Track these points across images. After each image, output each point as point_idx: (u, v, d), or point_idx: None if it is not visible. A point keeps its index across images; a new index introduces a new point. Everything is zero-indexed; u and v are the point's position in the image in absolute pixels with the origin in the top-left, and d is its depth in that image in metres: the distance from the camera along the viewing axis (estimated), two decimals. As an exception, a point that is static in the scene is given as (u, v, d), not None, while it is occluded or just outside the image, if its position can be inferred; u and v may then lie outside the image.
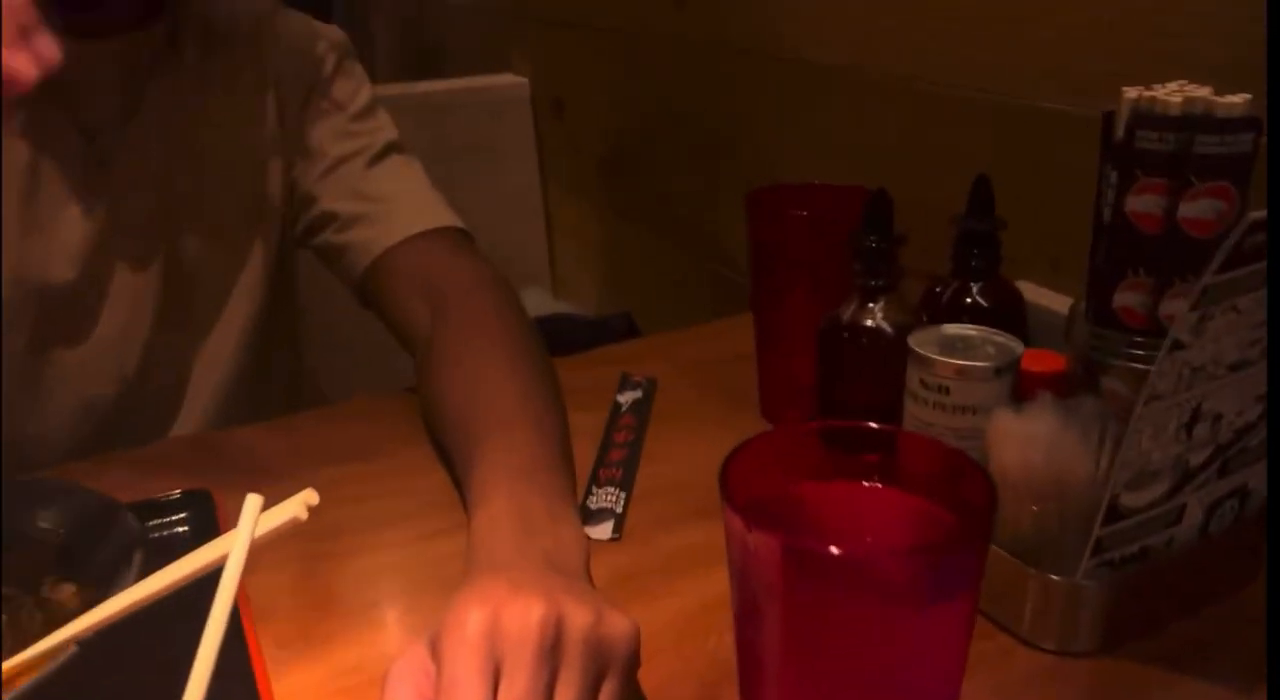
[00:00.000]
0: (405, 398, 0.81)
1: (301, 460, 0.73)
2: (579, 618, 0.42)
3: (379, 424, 0.79)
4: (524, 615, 0.41)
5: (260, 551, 0.42)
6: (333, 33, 0.92)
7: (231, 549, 0.42)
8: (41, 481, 0.58)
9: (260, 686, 0.50)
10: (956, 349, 0.62)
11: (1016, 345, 0.62)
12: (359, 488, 0.69)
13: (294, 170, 0.89)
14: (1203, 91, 0.55)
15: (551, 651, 0.41)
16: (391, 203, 0.86)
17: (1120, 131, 0.57)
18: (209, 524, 0.63)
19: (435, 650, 0.42)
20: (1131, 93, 0.57)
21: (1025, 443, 0.54)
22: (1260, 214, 0.44)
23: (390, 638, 0.56)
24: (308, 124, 0.88)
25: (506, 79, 1.73)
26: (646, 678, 0.48)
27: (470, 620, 0.41)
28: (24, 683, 0.41)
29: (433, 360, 0.74)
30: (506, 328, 0.74)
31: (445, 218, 0.85)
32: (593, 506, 0.68)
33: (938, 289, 0.71)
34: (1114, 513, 0.50)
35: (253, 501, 0.43)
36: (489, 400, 0.66)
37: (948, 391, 0.61)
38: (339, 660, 0.54)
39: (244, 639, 0.52)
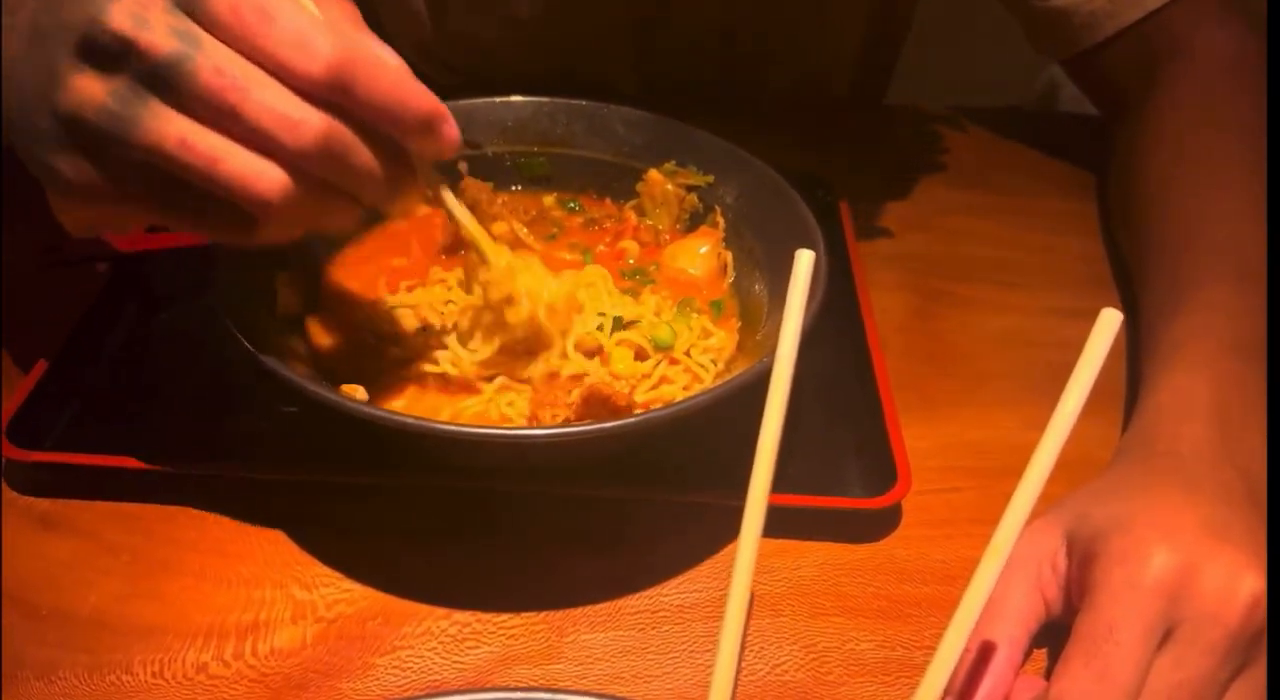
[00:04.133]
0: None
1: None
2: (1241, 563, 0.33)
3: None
4: (1230, 585, 0.33)
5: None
6: None
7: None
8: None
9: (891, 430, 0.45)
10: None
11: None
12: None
13: None
14: None
15: (1249, 643, 0.33)
16: None
17: None
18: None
19: (1085, 561, 0.35)
20: None
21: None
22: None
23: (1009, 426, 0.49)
24: None
25: None
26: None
27: (1154, 564, 0.33)
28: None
29: (1141, 136, 0.57)
30: (1256, 131, 0.53)
31: None
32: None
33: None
34: None
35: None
36: (1219, 225, 0.49)
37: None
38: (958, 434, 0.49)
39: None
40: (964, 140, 0.72)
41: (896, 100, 0.82)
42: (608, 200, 0.58)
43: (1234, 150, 0.53)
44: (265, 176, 0.34)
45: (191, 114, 0.33)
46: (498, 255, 0.44)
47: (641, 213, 0.56)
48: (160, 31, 0.33)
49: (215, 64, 0.33)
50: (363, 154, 0.36)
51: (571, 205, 0.58)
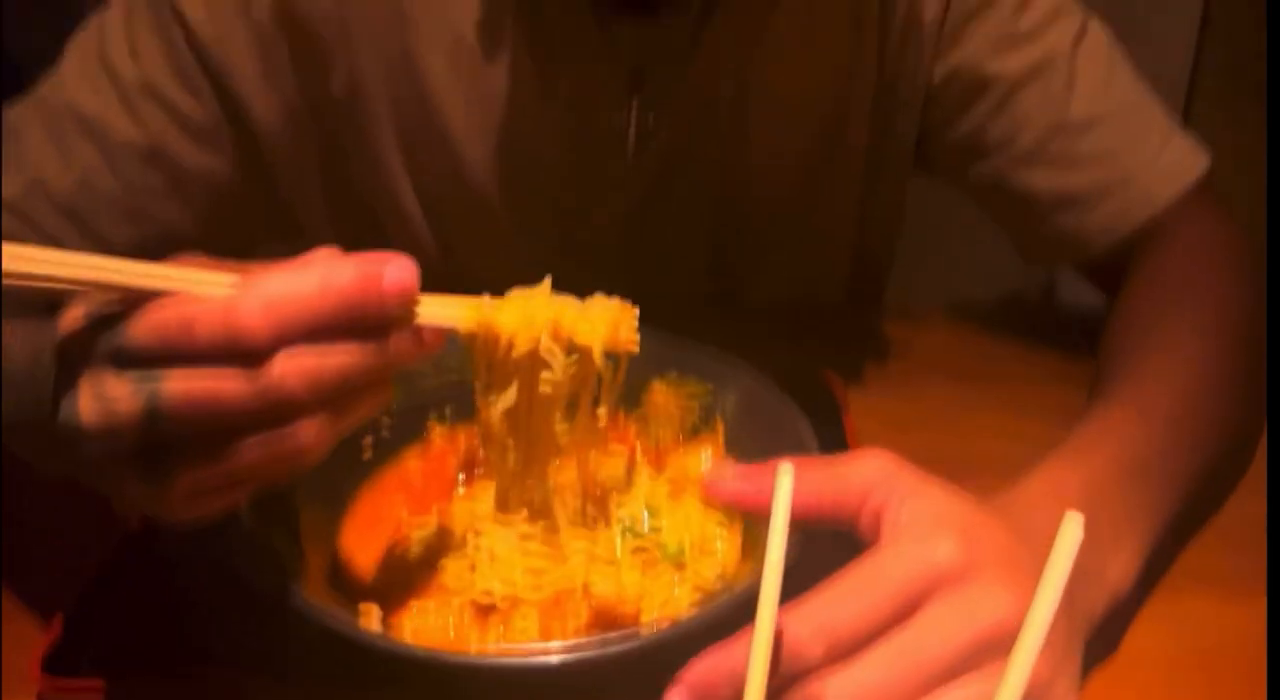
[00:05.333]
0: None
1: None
2: (1043, 669, 0.34)
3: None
4: (987, 597, 0.35)
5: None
6: None
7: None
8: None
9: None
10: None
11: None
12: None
13: (922, 108, 0.69)
14: None
15: (985, 656, 0.34)
16: (1118, 152, 0.65)
17: None
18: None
19: (884, 506, 0.39)
20: None
21: None
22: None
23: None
24: (929, 30, 0.67)
25: None
26: None
27: (940, 548, 0.36)
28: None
29: (1114, 312, 0.63)
30: (1222, 300, 0.59)
31: (1197, 159, 0.66)
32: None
33: None
34: None
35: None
36: (1150, 379, 0.54)
37: None
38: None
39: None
40: (964, 334, 0.74)
41: (894, 297, 0.84)
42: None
43: (1192, 320, 0.57)
44: (285, 440, 0.36)
45: (194, 435, 0.35)
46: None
47: (644, 424, 0.57)
48: (124, 399, 0.35)
49: (180, 394, 0.35)
50: (349, 355, 0.36)
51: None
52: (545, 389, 0.43)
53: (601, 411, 0.46)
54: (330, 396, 0.36)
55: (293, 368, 0.35)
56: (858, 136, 0.70)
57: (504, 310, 0.42)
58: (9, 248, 0.35)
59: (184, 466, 0.36)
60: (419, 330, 0.38)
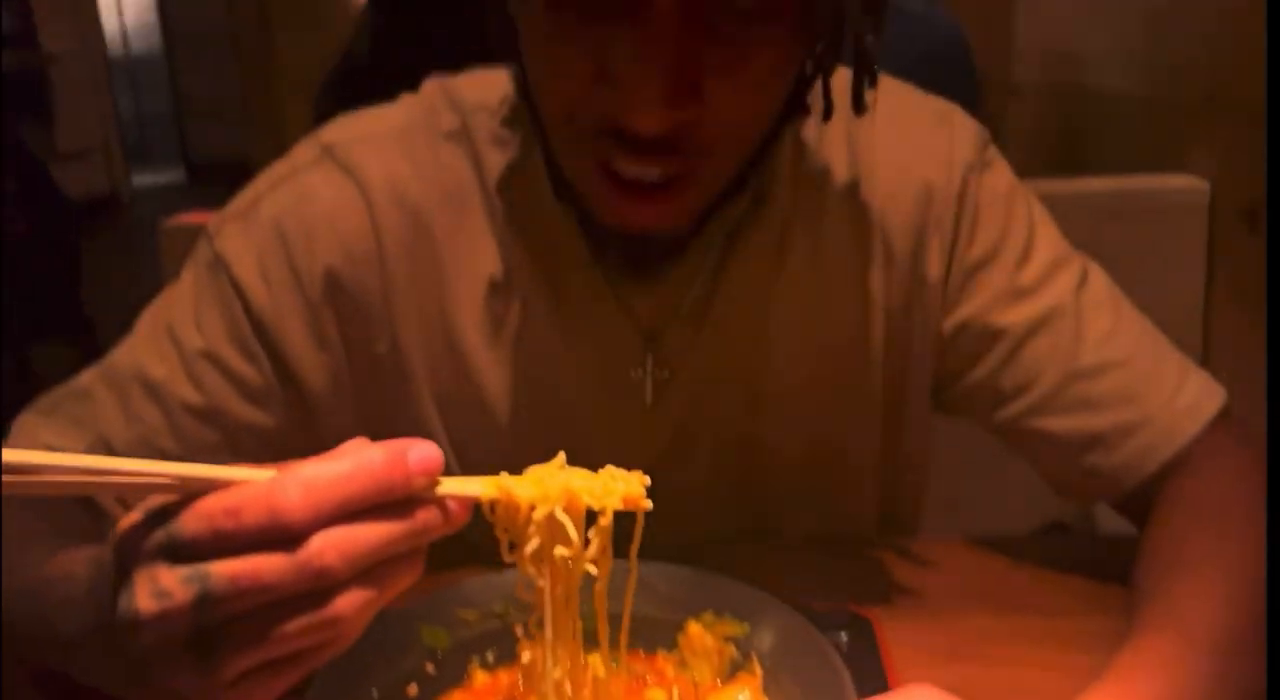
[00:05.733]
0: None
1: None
2: None
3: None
4: None
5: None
6: (961, 130, 0.71)
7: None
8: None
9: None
10: None
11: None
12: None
13: (936, 358, 0.71)
14: None
15: None
16: (1136, 395, 0.67)
17: None
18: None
19: None
20: None
21: None
22: None
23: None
24: (935, 287, 0.69)
25: (1179, 181, 1.46)
26: None
27: None
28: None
29: (1145, 536, 0.64)
30: (1248, 525, 0.60)
31: (1214, 394, 0.68)
32: None
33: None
34: None
35: None
36: (1180, 600, 0.56)
37: None
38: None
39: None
40: (1003, 564, 0.73)
41: (930, 524, 0.84)
42: (641, 652, 0.59)
43: (1221, 546, 0.58)
44: (326, 614, 0.38)
45: (242, 617, 0.38)
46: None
47: (682, 665, 0.57)
48: (177, 590, 0.38)
49: (227, 577, 0.38)
50: (380, 529, 0.39)
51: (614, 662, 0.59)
52: (562, 553, 0.45)
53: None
54: (365, 569, 0.39)
55: (329, 543, 0.38)
56: (874, 382, 0.73)
57: (522, 483, 0.45)
58: (9, 451, 0.38)
59: (234, 651, 0.38)
60: (444, 503, 0.41)
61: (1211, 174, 1.46)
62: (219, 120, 6.44)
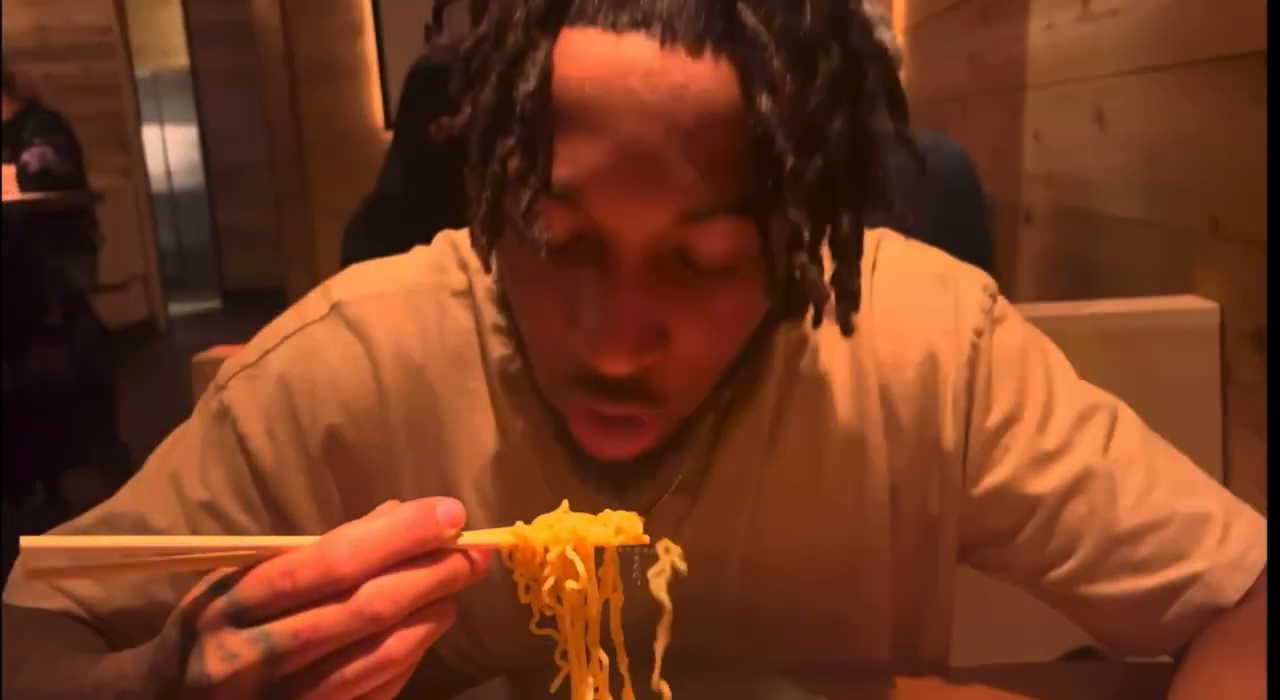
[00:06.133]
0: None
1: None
2: None
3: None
4: None
5: None
6: (966, 290, 0.69)
7: None
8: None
9: None
10: None
11: None
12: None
13: (967, 524, 0.69)
14: None
15: None
16: (1182, 553, 0.65)
17: None
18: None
19: None
20: None
21: None
22: None
23: None
24: (951, 453, 0.67)
25: (1189, 303, 1.48)
26: None
27: None
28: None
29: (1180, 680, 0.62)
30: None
31: (1258, 545, 0.65)
32: None
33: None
34: None
35: None
36: None
37: None
38: None
39: None
40: (1026, 695, 0.70)
41: (953, 657, 0.82)
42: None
43: (1253, 679, 0.56)
44: (380, 655, 0.43)
45: (306, 670, 0.43)
46: None
47: None
48: (245, 651, 0.42)
49: (289, 632, 0.42)
50: (419, 576, 0.45)
51: None
52: (573, 586, 0.50)
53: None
54: (408, 612, 0.44)
55: (378, 591, 0.43)
56: (880, 546, 0.70)
57: (535, 528, 0.50)
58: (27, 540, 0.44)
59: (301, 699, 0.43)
60: (469, 553, 0.47)
61: (1220, 298, 1.48)
62: (254, 250, 6.67)
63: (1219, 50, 1.41)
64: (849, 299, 0.57)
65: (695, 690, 0.60)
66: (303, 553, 0.44)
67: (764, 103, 0.48)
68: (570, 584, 0.50)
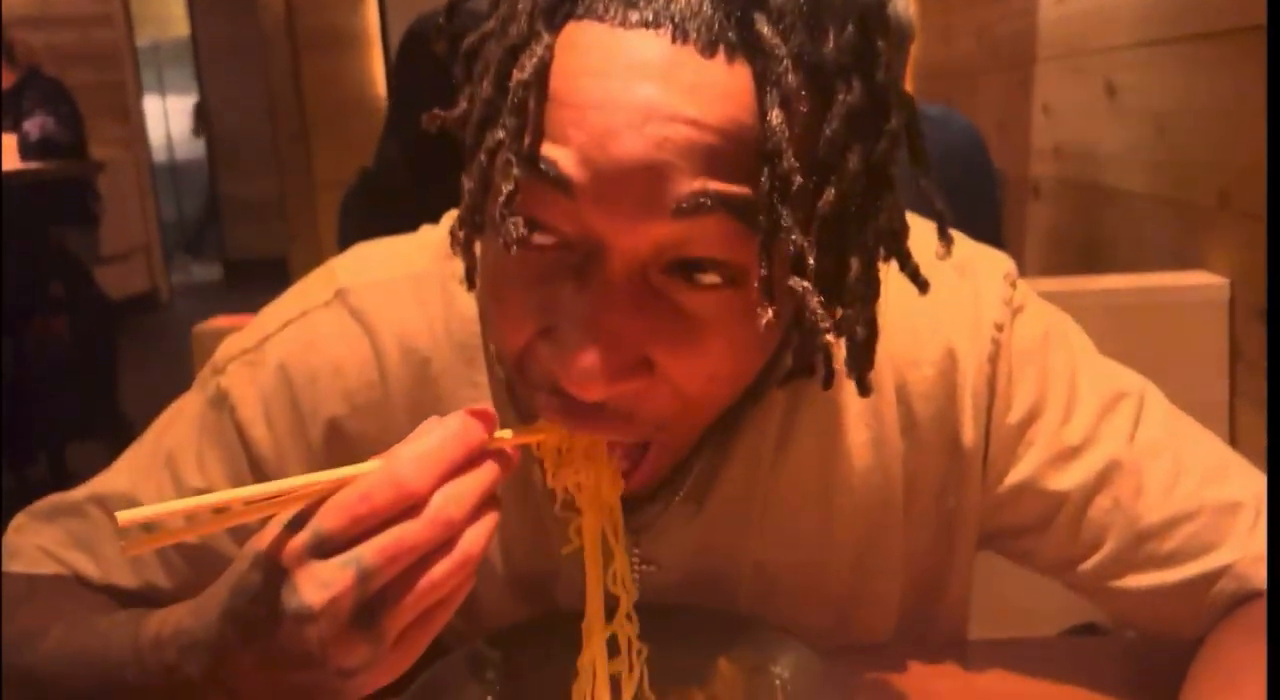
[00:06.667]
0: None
1: None
2: None
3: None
4: None
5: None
6: (986, 281, 0.67)
7: None
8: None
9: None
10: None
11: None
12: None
13: (992, 514, 0.68)
14: None
15: None
16: (1210, 544, 0.63)
17: None
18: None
19: None
20: None
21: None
22: None
23: None
24: (971, 451, 0.66)
25: (1199, 278, 1.48)
26: None
27: None
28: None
29: (1196, 659, 0.62)
30: None
31: None
32: None
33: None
34: None
35: None
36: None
37: None
38: None
39: None
40: (1029, 669, 0.68)
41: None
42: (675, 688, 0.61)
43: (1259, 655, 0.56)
44: (459, 553, 0.47)
45: (395, 582, 0.46)
46: None
47: (713, 698, 0.60)
48: (337, 577, 0.45)
49: (377, 550, 0.45)
50: (476, 476, 0.48)
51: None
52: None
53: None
54: (473, 514, 0.47)
55: (448, 497, 0.47)
56: (892, 544, 0.69)
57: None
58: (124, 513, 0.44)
59: (395, 613, 0.46)
60: (505, 451, 0.50)
61: (1229, 272, 1.47)
62: (255, 221, 6.65)
63: (1232, 22, 1.39)
64: (861, 353, 0.55)
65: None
66: (373, 476, 0.46)
67: (776, 116, 0.46)
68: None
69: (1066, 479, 0.65)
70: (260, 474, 0.66)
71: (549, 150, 0.48)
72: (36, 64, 4.35)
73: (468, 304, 0.66)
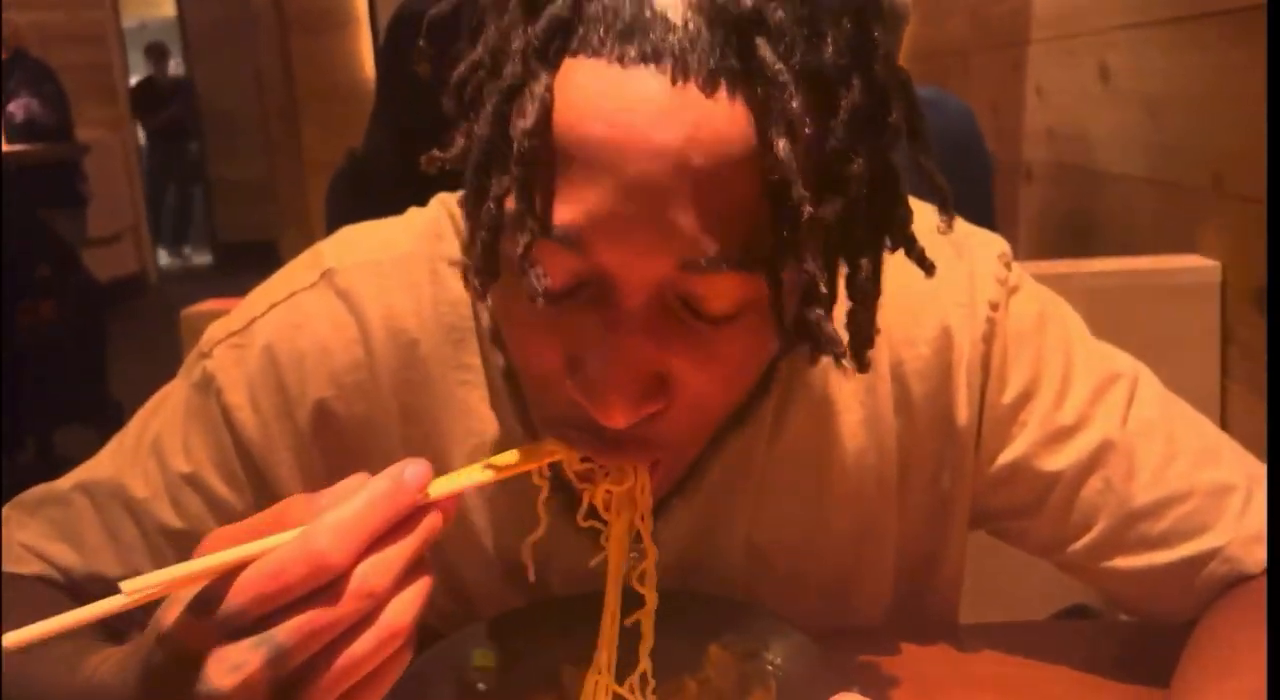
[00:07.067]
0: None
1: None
2: None
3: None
4: None
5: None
6: (981, 261, 0.67)
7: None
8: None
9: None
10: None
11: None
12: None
13: (985, 494, 0.68)
14: None
15: None
16: (1201, 526, 0.63)
17: None
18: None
19: None
20: None
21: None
22: None
23: None
24: (965, 430, 0.66)
25: (1191, 261, 1.49)
26: None
27: None
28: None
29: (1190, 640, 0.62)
30: None
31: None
32: None
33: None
34: None
35: None
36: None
37: None
38: None
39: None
40: (1019, 652, 0.69)
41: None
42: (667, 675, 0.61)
43: (1251, 639, 0.57)
44: (384, 628, 0.43)
45: (314, 661, 0.42)
46: None
47: (706, 683, 0.59)
48: (250, 658, 0.41)
49: (293, 628, 0.41)
50: (403, 543, 0.44)
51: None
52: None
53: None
54: (399, 583, 0.43)
55: (371, 568, 0.42)
56: (887, 523, 0.69)
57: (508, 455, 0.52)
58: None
59: (313, 691, 0.42)
60: (441, 506, 0.46)
61: (1221, 256, 1.47)
62: (244, 203, 6.62)
63: (1226, 4, 1.39)
64: (864, 339, 0.55)
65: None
66: (285, 550, 0.42)
67: (782, 147, 0.45)
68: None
69: (1059, 459, 0.65)
70: (246, 458, 0.65)
71: (561, 212, 0.47)
72: (23, 46, 4.31)
73: (456, 286, 0.65)
